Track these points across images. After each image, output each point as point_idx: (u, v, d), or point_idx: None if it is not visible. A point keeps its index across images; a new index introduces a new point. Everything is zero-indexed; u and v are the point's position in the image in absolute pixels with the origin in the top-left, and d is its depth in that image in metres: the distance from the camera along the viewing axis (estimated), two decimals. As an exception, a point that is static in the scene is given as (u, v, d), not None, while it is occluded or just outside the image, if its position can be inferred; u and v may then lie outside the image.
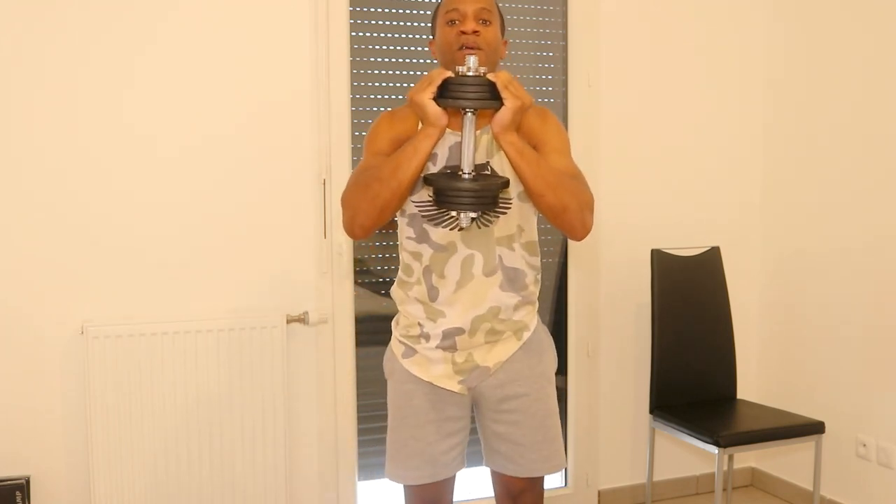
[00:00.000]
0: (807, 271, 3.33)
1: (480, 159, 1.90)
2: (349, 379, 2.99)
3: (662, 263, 3.12)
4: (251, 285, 2.87)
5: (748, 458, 3.60)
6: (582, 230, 1.86)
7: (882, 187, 3.01)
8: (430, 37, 2.04)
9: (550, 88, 3.27)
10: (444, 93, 1.73)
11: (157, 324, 2.69)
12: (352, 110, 2.96)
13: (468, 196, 1.70)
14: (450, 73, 1.75)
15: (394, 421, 2.04)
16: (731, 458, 3.29)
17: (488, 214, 1.79)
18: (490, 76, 1.73)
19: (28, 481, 2.63)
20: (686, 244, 3.29)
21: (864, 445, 3.09)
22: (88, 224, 2.70)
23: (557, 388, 3.37)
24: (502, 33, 2.00)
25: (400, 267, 2.04)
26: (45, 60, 2.62)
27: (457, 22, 1.91)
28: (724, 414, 3.05)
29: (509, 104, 1.72)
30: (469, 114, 1.75)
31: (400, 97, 3.07)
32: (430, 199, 1.79)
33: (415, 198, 1.91)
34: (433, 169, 1.90)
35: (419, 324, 1.98)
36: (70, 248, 2.68)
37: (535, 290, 2.03)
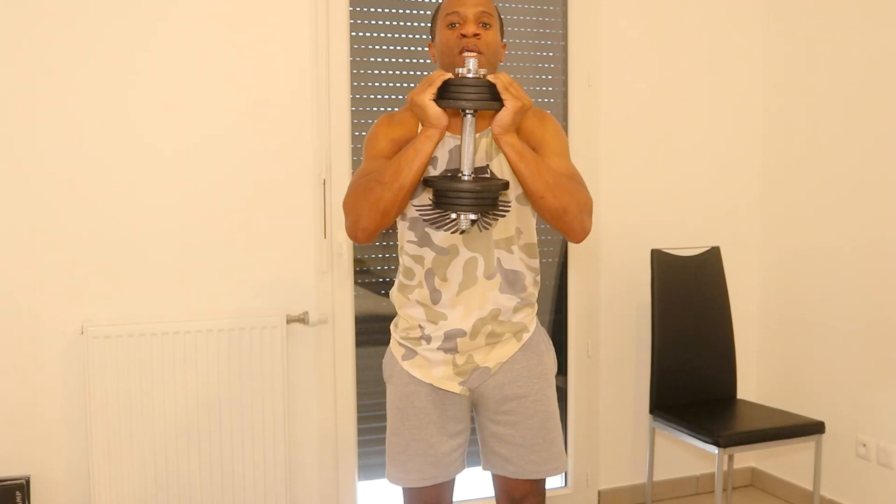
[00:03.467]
0: (807, 271, 3.33)
1: (480, 162, 1.90)
2: (349, 379, 2.99)
3: (662, 263, 3.12)
4: (251, 285, 2.87)
5: (748, 458, 3.60)
6: (581, 232, 1.86)
7: (881, 187, 3.01)
8: (430, 38, 2.04)
9: (550, 88, 3.27)
10: (444, 94, 1.74)
11: (157, 324, 2.69)
12: (352, 110, 2.96)
13: (468, 197, 1.71)
14: (450, 75, 1.76)
15: (394, 423, 2.04)
16: (731, 458, 3.29)
17: (488, 217, 1.79)
18: (490, 77, 1.74)
19: (28, 481, 2.63)
20: (686, 244, 3.29)
21: (864, 445, 3.09)
22: (88, 224, 2.70)
23: (557, 388, 3.38)
24: (501, 36, 2.00)
25: (400, 270, 2.03)
26: (46, 61, 2.62)
27: (457, 25, 1.91)
28: (724, 414, 3.05)
29: (509, 105, 1.73)
30: (469, 115, 1.76)
31: (400, 97, 3.07)
32: (431, 202, 1.79)
33: (415, 201, 1.92)
34: (433, 172, 1.90)
35: (420, 326, 1.98)
36: (70, 248, 2.68)
37: (533, 291, 2.03)
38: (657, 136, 3.37)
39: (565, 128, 3.27)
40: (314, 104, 2.90)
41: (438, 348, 1.97)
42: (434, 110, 1.74)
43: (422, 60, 3.08)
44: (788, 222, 3.42)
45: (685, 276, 3.17)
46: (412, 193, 1.84)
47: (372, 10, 3.00)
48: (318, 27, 2.89)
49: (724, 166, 3.48)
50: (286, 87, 2.87)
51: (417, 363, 2.00)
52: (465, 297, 1.93)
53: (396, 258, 3.09)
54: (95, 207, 2.70)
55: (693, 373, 3.15)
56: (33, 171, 2.64)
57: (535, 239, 2.02)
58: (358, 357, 3.02)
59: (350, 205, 1.85)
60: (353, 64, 2.97)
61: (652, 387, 3.09)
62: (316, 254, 2.94)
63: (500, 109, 1.74)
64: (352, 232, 1.86)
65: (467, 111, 1.75)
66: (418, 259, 1.96)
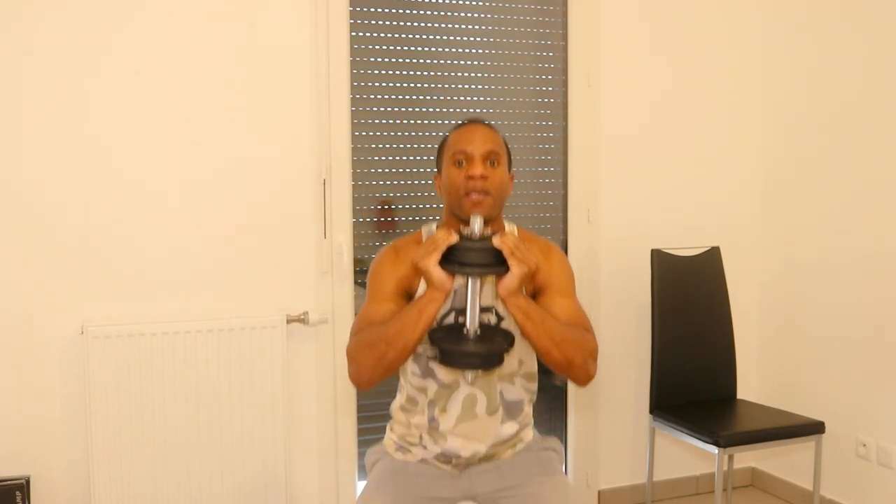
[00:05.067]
0: (807, 271, 3.33)
1: (486, 301, 1.87)
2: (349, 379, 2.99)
3: (662, 263, 3.12)
4: (251, 285, 2.87)
5: (748, 458, 3.60)
6: (585, 379, 1.86)
7: (881, 186, 3.01)
8: (436, 171, 1.99)
9: (550, 88, 3.27)
10: (450, 258, 1.69)
11: (157, 324, 2.69)
12: (352, 110, 2.96)
13: (474, 358, 1.71)
14: (455, 239, 1.70)
15: (379, 476, 2.00)
16: (731, 458, 3.29)
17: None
18: (496, 241, 1.68)
19: (28, 481, 2.63)
20: (686, 244, 3.29)
21: (864, 445, 3.09)
22: (89, 224, 2.69)
23: (558, 387, 3.39)
24: (510, 167, 1.96)
25: (402, 393, 2.03)
26: (50, 60, 2.62)
27: (464, 163, 1.86)
28: (724, 414, 3.05)
29: (515, 271, 1.68)
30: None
31: (400, 97, 3.07)
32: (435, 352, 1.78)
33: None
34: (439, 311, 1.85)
35: (420, 437, 1.99)
36: (70, 248, 2.68)
37: (530, 410, 2.04)
38: (657, 135, 3.37)
39: (565, 128, 3.27)
40: (314, 104, 2.90)
41: (435, 457, 1.98)
42: (439, 275, 1.70)
43: (421, 60, 3.08)
44: (788, 222, 3.42)
45: (685, 276, 3.17)
46: (416, 348, 1.82)
47: (372, 10, 3.00)
48: (318, 27, 2.89)
49: (724, 166, 3.48)
50: (286, 87, 2.87)
51: (412, 455, 2.01)
52: (465, 429, 1.93)
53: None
54: (95, 207, 2.70)
55: (693, 373, 3.14)
56: (34, 170, 2.63)
57: (535, 365, 2.01)
58: (358, 357, 3.01)
59: (353, 354, 1.84)
60: (353, 64, 2.97)
61: (652, 387, 3.09)
62: (316, 254, 2.94)
63: (506, 273, 1.70)
64: (355, 381, 1.85)
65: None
66: (421, 389, 1.96)
